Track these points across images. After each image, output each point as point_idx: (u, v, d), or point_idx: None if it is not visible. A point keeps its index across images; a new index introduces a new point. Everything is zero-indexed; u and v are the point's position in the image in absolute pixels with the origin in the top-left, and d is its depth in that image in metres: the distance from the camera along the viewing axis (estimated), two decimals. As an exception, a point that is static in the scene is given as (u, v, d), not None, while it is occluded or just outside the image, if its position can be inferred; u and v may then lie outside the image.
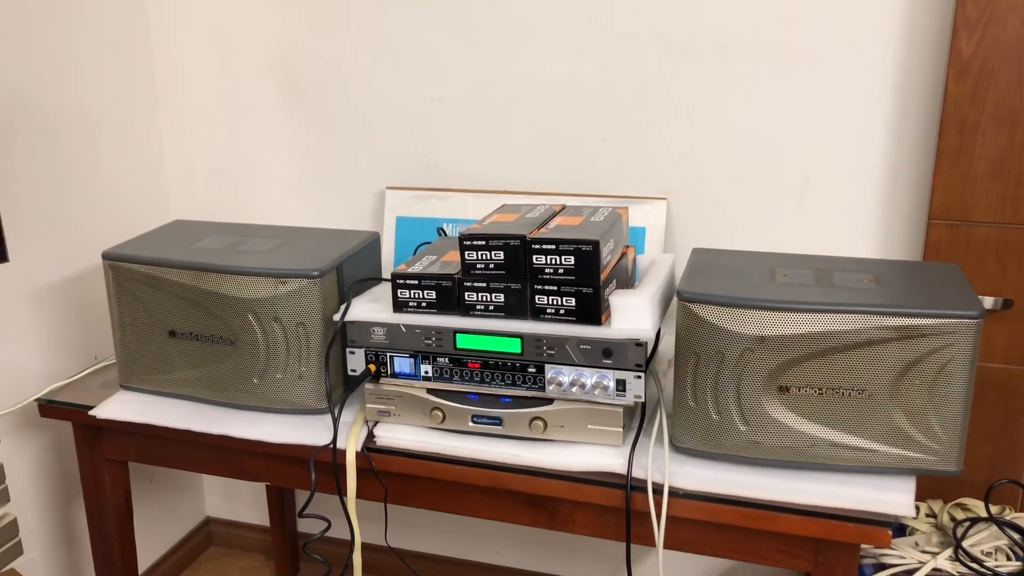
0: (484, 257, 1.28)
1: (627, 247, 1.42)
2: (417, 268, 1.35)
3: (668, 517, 1.23)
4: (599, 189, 1.78)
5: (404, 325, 1.34)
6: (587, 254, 1.24)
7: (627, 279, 1.40)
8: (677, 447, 1.28)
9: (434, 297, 1.32)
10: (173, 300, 1.44)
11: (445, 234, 1.80)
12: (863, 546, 1.33)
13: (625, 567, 1.99)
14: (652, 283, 1.32)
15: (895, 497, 1.19)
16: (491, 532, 2.08)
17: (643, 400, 1.27)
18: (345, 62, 1.88)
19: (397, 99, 1.87)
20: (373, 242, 1.55)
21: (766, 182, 1.69)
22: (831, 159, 1.64)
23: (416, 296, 1.33)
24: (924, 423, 1.19)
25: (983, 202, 1.52)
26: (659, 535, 1.23)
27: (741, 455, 1.25)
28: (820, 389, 1.20)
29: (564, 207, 1.45)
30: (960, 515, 1.48)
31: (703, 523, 1.26)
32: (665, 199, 1.74)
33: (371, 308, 1.37)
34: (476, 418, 1.34)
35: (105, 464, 1.59)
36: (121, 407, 1.50)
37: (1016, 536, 1.43)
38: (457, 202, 1.83)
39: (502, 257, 1.27)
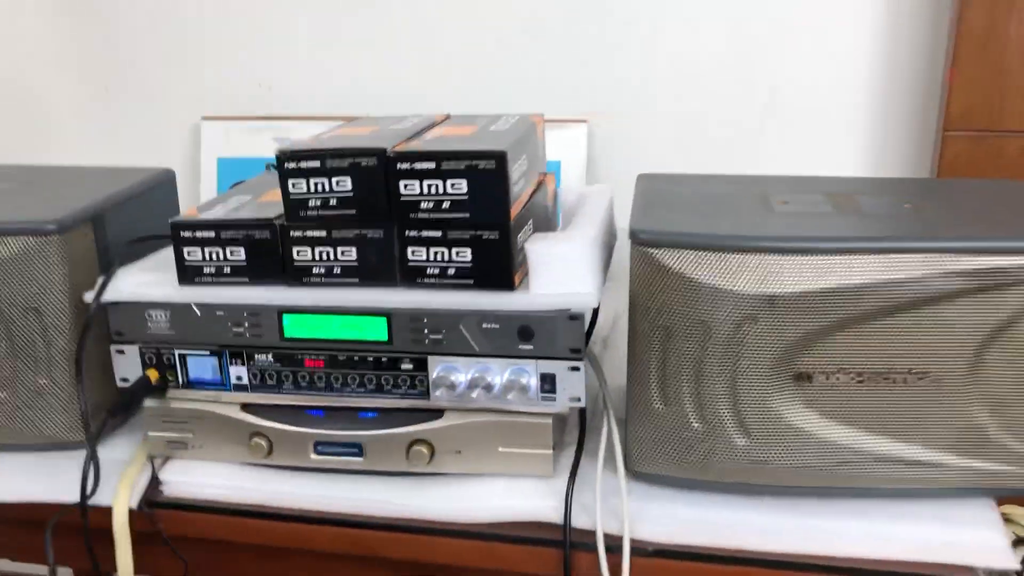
0: (320, 188, 0.79)
1: (544, 175, 0.95)
2: (216, 213, 0.85)
3: (631, 588, 0.78)
4: (497, 111, 1.31)
5: (198, 305, 0.84)
6: (488, 176, 0.76)
7: (547, 221, 0.93)
8: (637, 474, 0.83)
9: (243, 258, 0.83)
10: None
11: (282, 178, 1.29)
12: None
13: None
14: (587, 223, 0.85)
15: (979, 535, 0.77)
16: None
17: (583, 404, 0.81)
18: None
19: (208, -6, 1.35)
20: (162, 184, 1.04)
21: (719, 96, 1.26)
22: (803, 61, 1.22)
23: (215, 257, 0.83)
24: (1015, 418, 0.77)
25: (1020, 105, 1.11)
26: (619, 619, 0.78)
27: (739, 482, 0.81)
28: (859, 374, 0.76)
29: (449, 116, 0.97)
30: None
31: (684, 592, 0.82)
32: (585, 121, 1.28)
33: (146, 281, 0.86)
34: (322, 446, 0.85)
35: None
36: None
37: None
38: (301, 136, 1.32)
39: (350, 187, 0.79)
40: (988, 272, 0.73)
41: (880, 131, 1.23)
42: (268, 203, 0.87)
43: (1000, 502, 0.83)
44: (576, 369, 0.79)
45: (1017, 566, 0.75)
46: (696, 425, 0.79)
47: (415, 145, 0.79)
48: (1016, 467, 0.78)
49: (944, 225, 0.78)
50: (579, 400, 0.80)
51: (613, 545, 0.78)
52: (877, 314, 0.74)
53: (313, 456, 0.85)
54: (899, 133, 1.22)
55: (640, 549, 0.78)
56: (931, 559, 0.75)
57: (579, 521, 0.80)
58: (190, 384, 0.86)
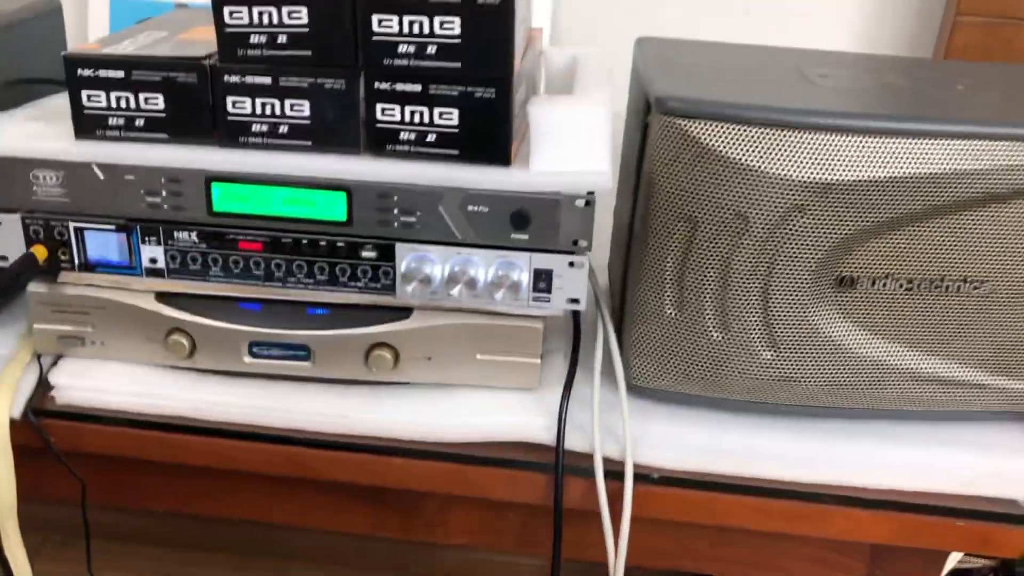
0: (267, 20, 0.61)
1: (532, 30, 0.78)
2: (125, 48, 0.66)
3: (635, 519, 0.66)
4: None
5: (101, 166, 0.65)
6: (490, 15, 0.60)
7: (533, 81, 0.77)
8: (638, 390, 0.71)
9: (162, 107, 0.64)
10: None
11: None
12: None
13: None
14: (596, 87, 0.70)
15: (1021, 464, 0.68)
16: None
17: (582, 307, 0.67)
18: None
19: None
20: (47, 16, 0.82)
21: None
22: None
23: (125, 105, 0.65)
24: (1068, 337, 0.68)
25: (1042, -11, 1.01)
26: (616, 558, 0.66)
27: (759, 401, 0.69)
28: (909, 281, 0.65)
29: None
30: None
31: (691, 526, 0.71)
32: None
33: (31, 132, 0.67)
34: (258, 347, 0.69)
35: None
36: None
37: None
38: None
39: (304, 20, 0.61)
40: (1077, 166, 0.62)
41: (874, 17, 1.10)
42: (191, 41, 0.68)
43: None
44: (579, 265, 0.66)
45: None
46: (715, 335, 0.67)
47: (392, -29, 0.62)
48: (1061, 391, 0.70)
49: (1016, 108, 0.66)
50: (577, 302, 0.67)
51: (612, 471, 0.66)
52: (941, 211, 0.63)
53: (247, 359, 0.69)
54: (901, 19, 1.10)
55: (645, 475, 0.66)
56: (971, 491, 0.66)
57: (575, 442, 0.67)
58: (89, 266, 0.69)
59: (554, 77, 0.81)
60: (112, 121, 0.65)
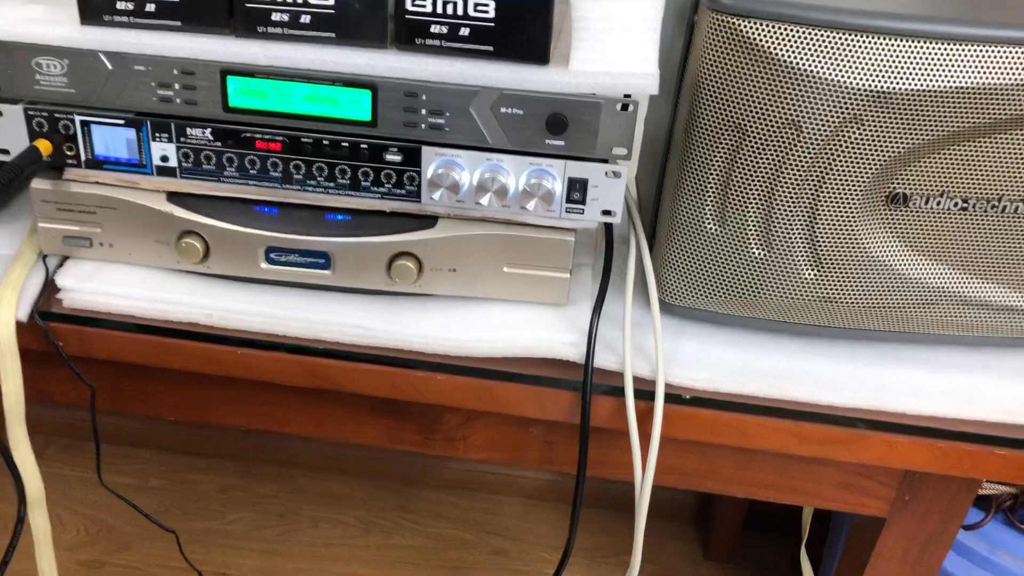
0: None
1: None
2: (132, -76, 0.61)
3: (662, 439, 0.64)
4: None
5: (109, 55, 0.61)
6: None
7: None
8: (670, 307, 0.68)
9: (174, -9, 0.60)
10: None
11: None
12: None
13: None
14: (646, -20, 0.65)
15: (1064, 395, 0.66)
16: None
17: (617, 219, 0.64)
18: None
19: None
20: None
21: None
22: None
23: (133, -12, 0.60)
24: (1124, 263, 0.65)
25: None
26: (644, 479, 0.64)
27: (798, 322, 0.67)
28: (965, 200, 0.62)
29: None
30: None
31: (718, 447, 0.69)
32: None
33: (33, 17, 0.63)
34: (276, 253, 0.66)
35: None
36: None
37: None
38: None
39: None
40: None
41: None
42: (205, -81, 0.63)
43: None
44: (617, 175, 0.62)
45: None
46: (757, 251, 0.64)
47: None
48: (1109, 319, 0.67)
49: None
50: (612, 214, 0.63)
51: (642, 390, 0.64)
52: (1004, 126, 0.59)
53: (264, 265, 0.66)
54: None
55: (675, 396, 0.64)
56: (1012, 420, 0.64)
57: (605, 360, 0.65)
58: (97, 163, 0.65)
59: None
60: (120, 5, 0.60)
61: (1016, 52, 0.57)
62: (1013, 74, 0.57)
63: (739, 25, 0.57)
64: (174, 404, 0.73)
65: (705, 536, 1.45)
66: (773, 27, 0.57)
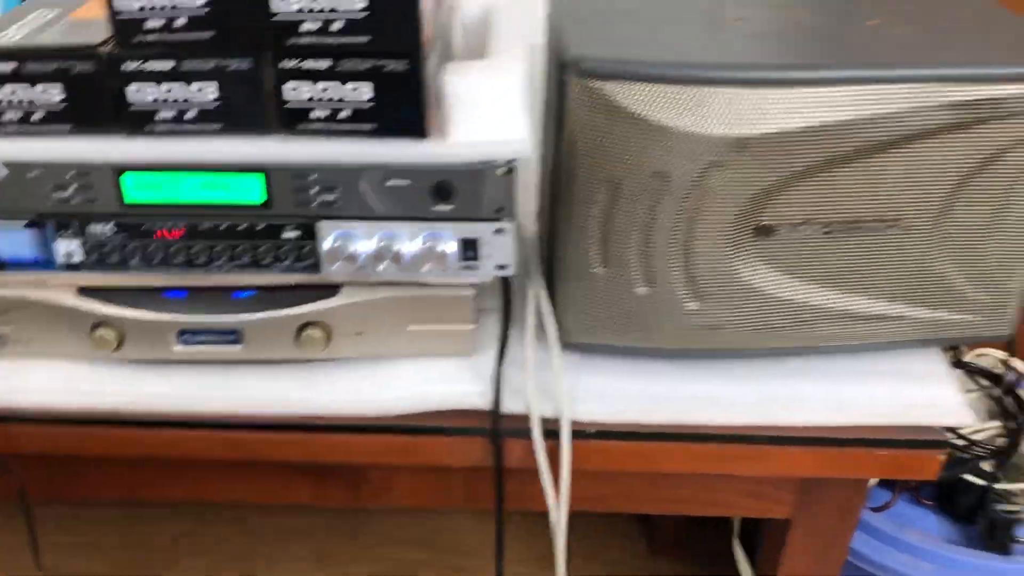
0: (161, 3, 0.59)
1: (441, -16, 0.76)
2: (12, 36, 0.63)
3: (574, 472, 0.68)
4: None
5: (5, 163, 0.63)
6: (392, -15, 0.58)
7: (448, 47, 0.76)
8: (573, 346, 0.72)
9: (61, 98, 0.62)
10: None
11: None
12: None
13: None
14: (515, 46, 0.69)
15: (936, 393, 0.72)
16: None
17: (512, 271, 0.68)
18: None
19: None
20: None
21: None
22: None
23: (20, 99, 0.62)
24: (977, 266, 0.70)
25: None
26: (559, 512, 0.68)
27: (689, 348, 0.71)
28: (826, 225, 0.67)
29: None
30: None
31: (625, 475, 0.73)
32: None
33: (-79, 131, 0.64)
34: (188, 335, 0.69)
35: None
36: None
37: (984, 382, 1.04)
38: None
39: (202, 0, 0.59)
40: (982, 104, 0.63)
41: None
42: (85, 22, 0.65)
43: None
44: (503, 232, 0.66)
45: (973, 421, 0.71)
46: (642, 290, 0.68)
47: (289, -57, 0.60)
48: (972, 315, 0.73)
49: (927, 46, 0.67)
50: (506, 268, 0.67)
51: (550, 429, 0.68)
52: (853, 156, 0.64)
53: (177, 348, 0.69)
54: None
55: (581, 432, 0.68)
56: (887, 422, 0.69)
57: (511, 405, 0.68)
58: (2, 265, 0.67)
59: (469, 33, 0.80)
60: (7, 116, 0.62)
61: (854, 91, 0.61)
62: (852, 111, 0.62)
63: (602, 88, 0.61)
64: (108, 486, 0.75)
65: (650, 531, 1.51)
66: (633, 87, 0.61)
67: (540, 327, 0.72)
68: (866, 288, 0.70)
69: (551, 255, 0.72)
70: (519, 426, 0.68)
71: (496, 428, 0.67)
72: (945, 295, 0.71)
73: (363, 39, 0.59)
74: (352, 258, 0.65)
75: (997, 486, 0.96)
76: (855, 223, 0.67)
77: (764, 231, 0.66)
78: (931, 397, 0.71)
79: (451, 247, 0.66)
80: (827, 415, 0.69)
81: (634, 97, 0.61)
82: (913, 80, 0.62)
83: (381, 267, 0.66)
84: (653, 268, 0.67)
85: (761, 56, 0.64)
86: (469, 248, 0.66)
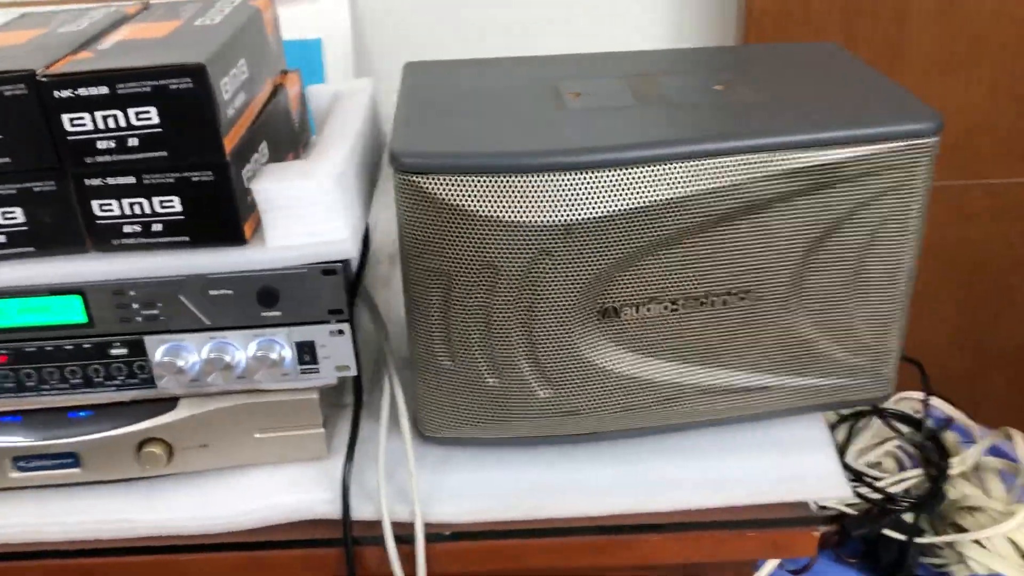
0: (-49, 131, 0.57)
1: (284, 73, 0.75)
2: None
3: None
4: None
5: None
6: (185, 99, 0.56)
7: (293, 135, 0.74)
8: (431, 440, 0.69)
9: None
10: None
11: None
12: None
13: None
14: (339, 141, 0.67)
15: (811, 462, 0.69)
16: None
17: (354, 372, 0.65)
18: None
19: None
20: None
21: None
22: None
23: None
24: (843, 329, 0.68)
25: (824, -51, 1.00)
26: (422, 619, 0.65)
27: (549, 436, 0.69)
28: (673, 302, 0.64)
29: (148, 5, 0.74)
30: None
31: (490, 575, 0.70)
32: (341, -8, 1.07)
33: None
34: (23, 461, 0.66)
35: None
36: None
37: (904, 428, 1.01)
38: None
39: (-8, 126, 0.57)
40: (821, 169, 0.61)
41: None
42: None
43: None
44: (341, 333, 0.63)
45: (850, 494, 0.68)
46: (490, 381, 0.65)
47: (82, 61, 0.58)
48: (846, 379, 0.70)
49: (766, 113, 0.65)
50: (348, 369, 0.65)
51: (404, 535, 0.65)
52: (690, 231, 0.62)
53: (13, 475, 0.66)
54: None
55: (436, 534, 0.65)
56: (759, 500, 0.66)
57: (363, 511, 0.66)
58: None
59: (320, 117, 0.78)
60: None
61: (688, 166, 0.59)
62: (684, 187, 0.60)
63: (422, 183, 0.59)
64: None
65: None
66: (450, 180, 0.59)
67: (396, 424, 0.69)
68: (728, 360, 0.67)
69: (410, 349, 0.69)
70: (372, 533, 0.65)
71: (347, 538, 0.64)
72: (814, 361, 0.69)
73: (162, 153, 0.57)
74: (181, 372, 0.63)
75: (919, 540, 0.93)
76: (703, 298, 0.65)
77: (610, 312, 0.64)
78: (803, 469, 0.68)
79: (287, 352, 0.64)
80: (697, 497, 0.66)
81: (453, 190, 0.59)
82: (748, 151, 0.60)
83: (211, 378, 0.63)
84: (498, 359, 0.64)
85: (587, 139, 0.61)
86: (306, 352, 0.64)
